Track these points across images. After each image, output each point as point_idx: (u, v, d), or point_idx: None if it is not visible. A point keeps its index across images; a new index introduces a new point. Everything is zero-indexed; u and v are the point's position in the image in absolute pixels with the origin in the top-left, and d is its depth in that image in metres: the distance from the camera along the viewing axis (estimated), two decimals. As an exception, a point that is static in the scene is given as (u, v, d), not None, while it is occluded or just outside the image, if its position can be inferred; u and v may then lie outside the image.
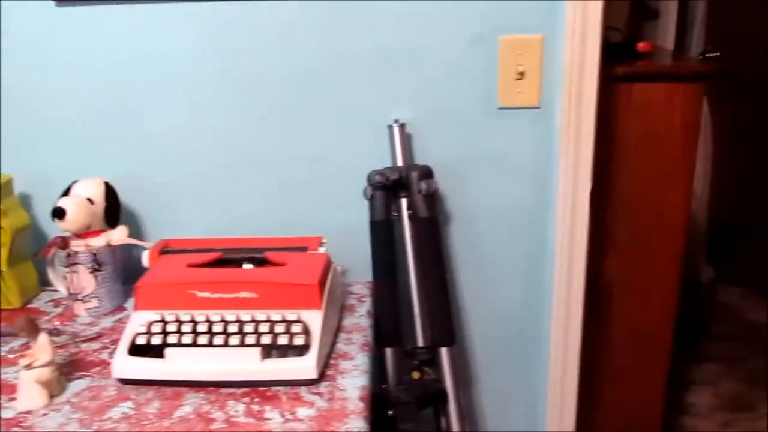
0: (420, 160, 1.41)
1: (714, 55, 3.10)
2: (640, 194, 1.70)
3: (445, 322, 1.33)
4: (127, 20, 1.34)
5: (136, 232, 1.45)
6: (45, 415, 1.01)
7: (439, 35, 1.33)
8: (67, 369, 1.13)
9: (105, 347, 1.21)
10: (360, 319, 1.29)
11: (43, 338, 1.03)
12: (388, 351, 1.36)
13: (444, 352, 1.33)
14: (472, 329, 1.54)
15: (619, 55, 1.71)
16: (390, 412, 1.22)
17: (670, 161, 1.67)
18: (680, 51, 3.16)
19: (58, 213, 1.27)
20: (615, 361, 1.86)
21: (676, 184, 1.69)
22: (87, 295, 1.32)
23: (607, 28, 1.78)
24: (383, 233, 1.34)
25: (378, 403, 1.22)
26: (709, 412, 2.42)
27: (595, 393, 1.89)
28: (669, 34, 2.68)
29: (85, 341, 1.23)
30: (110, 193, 1.35)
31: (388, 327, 1.34)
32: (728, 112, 3.16)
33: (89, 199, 1.31)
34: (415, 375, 1.34)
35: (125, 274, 1.37)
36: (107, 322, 1.30)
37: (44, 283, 1.42)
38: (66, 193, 1.33)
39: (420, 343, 1.37)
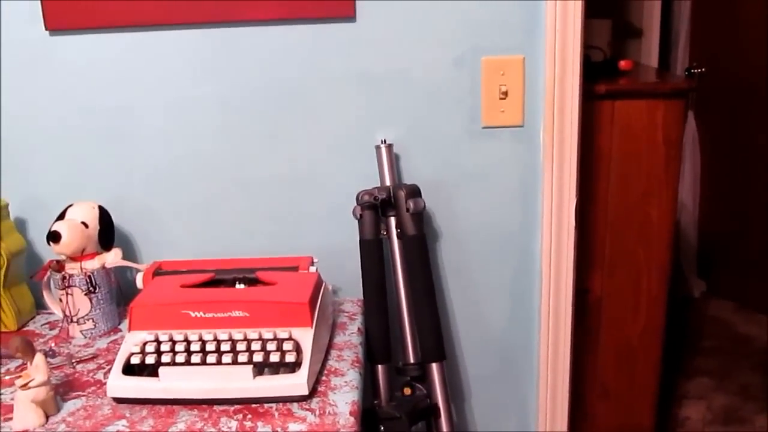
0: (407, 179, 1.44)
1: (699, 71, 3.15)
2: (625, 210, 1.73)
3: (435, 338, 1.35)
4: (119, 47, 1.37)
5: (130, 254, 1.47)
6: (41, 434, 1.03)
7: (423, 57, 1.37)
8: (63, 389, 1.15)
9: (100, 367, 1.23)
10: (351, 336, 1.31)
11: (38, 359, 1.05)
12: (380, 367, 1.38)
13: (434, 367, 1.35)
14: (463, 345, 1.56)
15: (602, 74, 1.75)
16: (381, 428, 1.24)
17: (653, 177, 1.70)
18: (665, 68, 3.21)
19: (54, 237, 1.29)
20: (605, 377, 1.88)
21: (660, 199, 1.72)
22: (82, 317, 1.33)
23: (589, 47, 1.83)
24: (373, 252, 1.36)
25: (369, 418, 1.24)
26: (702, 426, 2.43)
27: (586, 409, 1.90)
28: (653, 52, 2.73)
29: (80, 362, 1.25)
30: (104, 216, 1.37)
31: (378, 344, 1.36)
32: (716, 128, 3.20)
33: (84, 223, 1.33)
34: (407, 391, 1.35)
35: (120, 295, 1.39)
36: (102, 343, 1.32)
37: (39, 306, 1.44)
38: (61, 217, 1.35)
39: (411, 359, 1.39)
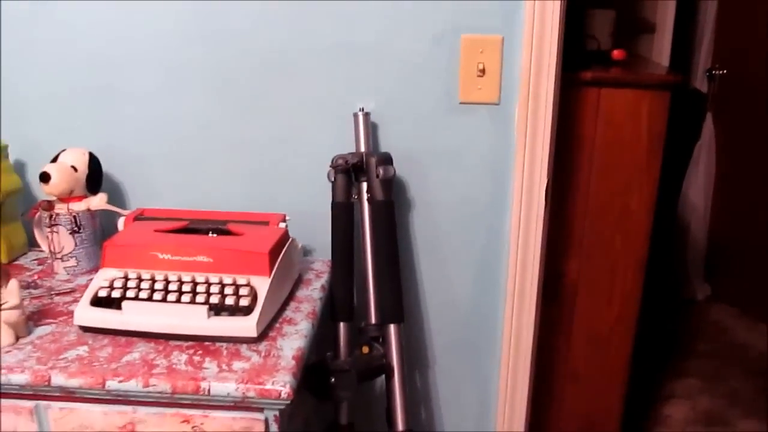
0: (385, 148, 1.49)
1: (720, 73, 3.13)
2: (605, 198, 1.75)
3: (395, 300, 1.40)
4: (116, 4, 1.44)
5: (117, 201, 1.55)
6: (8, 352, 1.12)
7: (404, 32, 1.41)
8: (37, 317, 1.24)
9: (75, 300, 1.30)
10: (313, 292, 1.37)
11: (12, 284, 1.14)
12: (341, 325, 1.43)
13: (392, 328, 1.40)
14: (430, 313, 1.61)
15: (594, 62, 1.78)
16: (332, 380, 1.30)
17: (635, 167, 1.72)
18: (686, 68, 3.20)
19: (44, 177, 1.38)
20: (575, 361, 1.91)
21: (640, 190, 1.74)
22: (66, 255, 1.42)
23: (586, 36, 1.86)
24: (343, 214, 1.42)
25: (321, 370, 1.30)
26: (683, 426, 2.45)
27: (554, 391, 1.94)
28: (665, 49, 2.72)
29: (58, 294, 1.34)
30: (93, 162, 1.45)
31: (342, 302, 1.42)
32: (735, 131, 3.17)
33: (73, 167, 1.41)
34: (365, 349, 1.41)
35: (104, 238, 1.46)
36: (82, 280, 1.40)
37: (33, 245, 1.53)
38: (54, 160, 1.43)
39: (372, 320, 1.45)
